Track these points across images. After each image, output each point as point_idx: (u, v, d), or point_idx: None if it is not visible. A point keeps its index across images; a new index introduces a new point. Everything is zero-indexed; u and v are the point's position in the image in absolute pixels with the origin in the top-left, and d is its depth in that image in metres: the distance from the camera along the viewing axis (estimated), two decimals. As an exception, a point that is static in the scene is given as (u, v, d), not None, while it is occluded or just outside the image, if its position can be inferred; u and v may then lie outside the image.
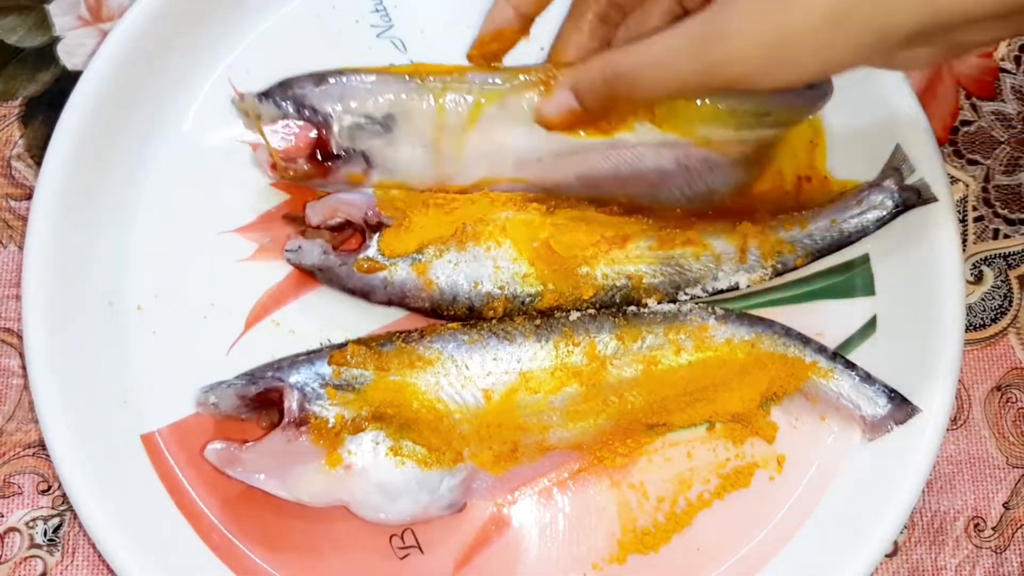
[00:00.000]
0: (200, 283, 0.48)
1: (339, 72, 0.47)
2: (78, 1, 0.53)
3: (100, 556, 0.44)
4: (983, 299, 0.54)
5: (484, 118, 0.46)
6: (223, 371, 0.46)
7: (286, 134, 0.46)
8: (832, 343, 0.49)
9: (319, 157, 0.46)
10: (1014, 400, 0.52)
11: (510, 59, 0.49)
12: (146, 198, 0.48)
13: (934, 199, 0.49)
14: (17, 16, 0.53)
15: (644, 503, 0.47)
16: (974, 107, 0.57)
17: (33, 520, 0.47)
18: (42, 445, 0.47)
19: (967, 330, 0.53)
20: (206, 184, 0.49)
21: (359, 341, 0.46)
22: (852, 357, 0.49)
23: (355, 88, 0.46)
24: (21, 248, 0.47)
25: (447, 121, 0.46)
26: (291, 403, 0.43)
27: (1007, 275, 0.54)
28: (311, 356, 0.45)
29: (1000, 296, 0.54)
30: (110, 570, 0.44)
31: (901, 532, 0.49)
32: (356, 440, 0.43)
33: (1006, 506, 0.51)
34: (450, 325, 0.47)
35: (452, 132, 0.46)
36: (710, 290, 0.48)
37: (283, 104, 0.46)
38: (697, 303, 0.48)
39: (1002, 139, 0.56)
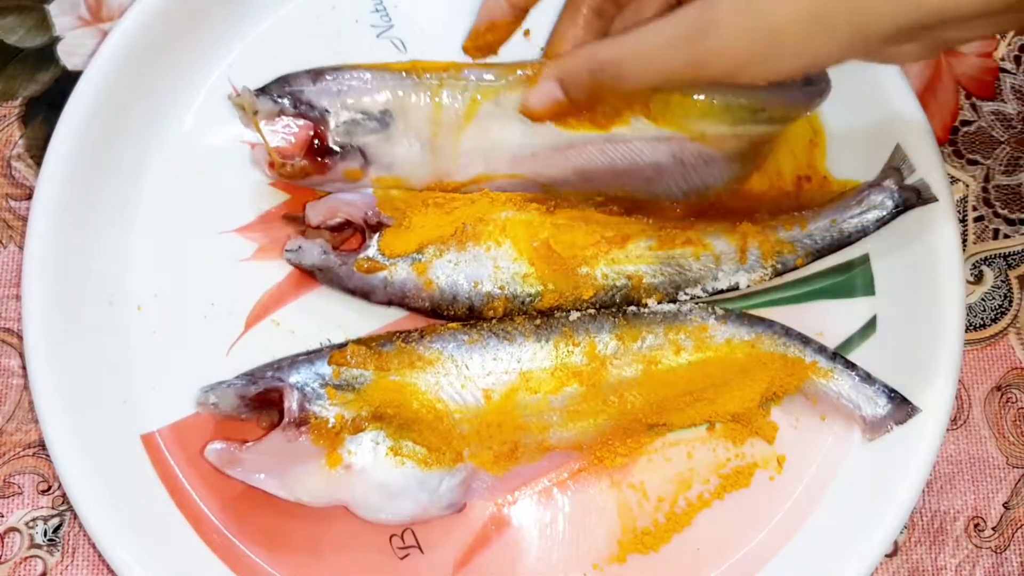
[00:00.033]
0: (200, 283, 0.48)
1: (336, 68, 0.47)
2: (78, 1, 0.53)
3: (100, 556, 0.44)
4: (983, 299, 0.54)
5: (480, 114, 0.46)
6: (223, 371, 0.46)
7: (283, 130, 0.46)
8: (832, 343, 0.49)
9: (316, 153, 0.46)
10: (1014, 400, 0.52)
11: (507, 57, 0.49)
12: (146, 198, 0.48)
13: (934, 199, 0.49)
14: (17, 16, 0.53)
15: (644, 503, 0.47)
16: (974, 107, 0.57)
17: (33, 520, 0.47)
18: (42, 445, 0.47)
19: (967, 330, 0.53)
20: (206, 184, 0.49)
21: (359, 341, 0.46)
22: (852, 357, 0.49)
23: (351, 84, 0.46)
24: (21, 248, 0.47)
25: (443, 117, 0.46)
26: (291, 403, 0.43)
27: (1007, 275, 0.54)
28: (311, 356, 0.45)
29: (1000, 296, 0.54)
30: (110, 570, 0.44)
31: (901, 532, 0.50)
32: (356, 440, 0.43)
33: (1006, 506, 0.51)
34: (450, 325, 0.47)
35: (448, 128, 0.47)
36: (710, 290, 0.48)
37: (280, 100, 0.46)
38: (697, 303, 0.48)
39: (1002, 139, 0.56)
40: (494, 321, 0.47)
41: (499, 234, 0.47)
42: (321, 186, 0.48)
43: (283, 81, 0.47)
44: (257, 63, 0.49)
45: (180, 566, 0.44)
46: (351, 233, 0.48)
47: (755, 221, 0.49)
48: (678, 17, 0.38)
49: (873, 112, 0.51)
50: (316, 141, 0.46)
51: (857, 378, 0.47)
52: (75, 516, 0.45)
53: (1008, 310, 0.54)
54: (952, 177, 0.55)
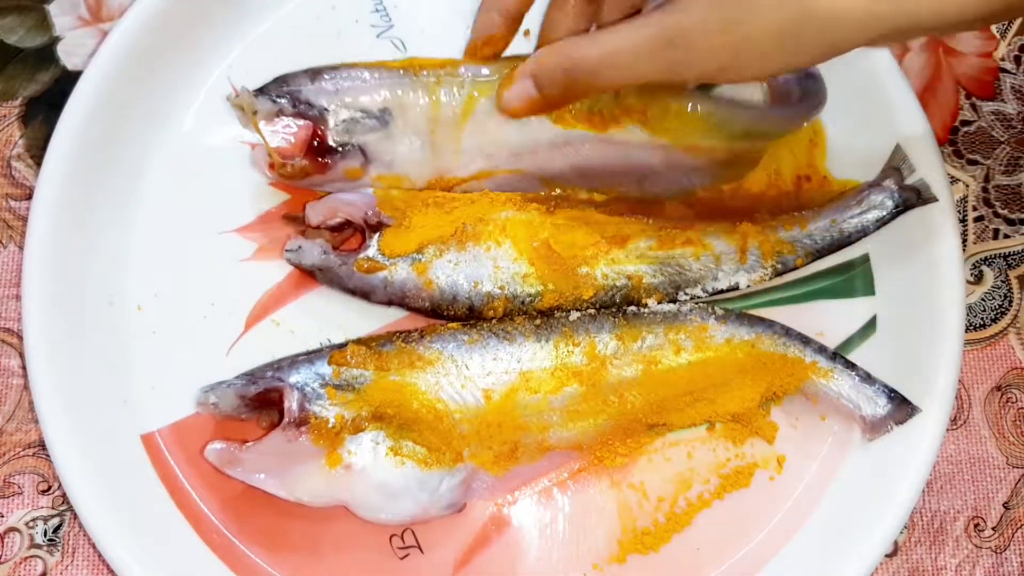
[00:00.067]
0: (200, 283, 0.48)
1: (333, 67, 0.47)
2: (78, 1, 0.53)
3: (100, 556, 0.44)
4: (983, 299, 0.54)
5: (478, 111, 0.47)
6: (223, 371, 0.46)
7: (283, 130, 0.46)
8: (832, 343, 0.49)
9: (316, 152, 0.46)
10: (1014, 400, 0.52)
11: (506, 53, 0.49)
12: (146, 198, 0.48)
13: (934, 199, 0.49)
14: (17, 16, 0.53)
15: (644, 503, 0.47)
16: (974, 107, 0.57)
17: (33, 520, 0.47)
18: (42, 445, 0.47)
19: (967, 330, 0.53)
20: (206, 184, 0.49)
21: (359, 341, 0.46)
22: (852, 357, 0.49)
23: (350, 83, 0.46)
24: (21, 248, 0.48)
25: (442, 114, 0.47)
26: (291, 403, 0.43)
27: (1007, 275, 0.54)
28: (311, 356, 0.45)
29: (1000, 296, 0.54)
30: (110, 570, 0.45)
31: (901, 532, 0.49)
32: (356, 440, 0.43)
33: (1006, 506, 0.51)
34: (450, 325, 0.47)
35: (447, 125, 0.47)
36: (710, 290, 0.48)
37: (279, 100, 0.46)
38: (697, 303, 0.48)
39: (1002, 139, 0.56)
40: (494, 321, 0.47)
41: (499, 234, 0.47)
42: (321, 186, 0.48)
43: (281, 81, 0.47)
44: (257, 63, 0.49)
45: (180, 566, 0.44)
46: (351, 233, 0.48)
47: (755, 221, 0.49)
48: (650, 23, 0.38)
49: (873, 112, 0.51)
50: (316, 141, 0.46)
51: (857, 378, 0.47)
52: (75, 516, 0.45)
53: (1008, 310, 0.54)
54: (952, 177, 0.55)
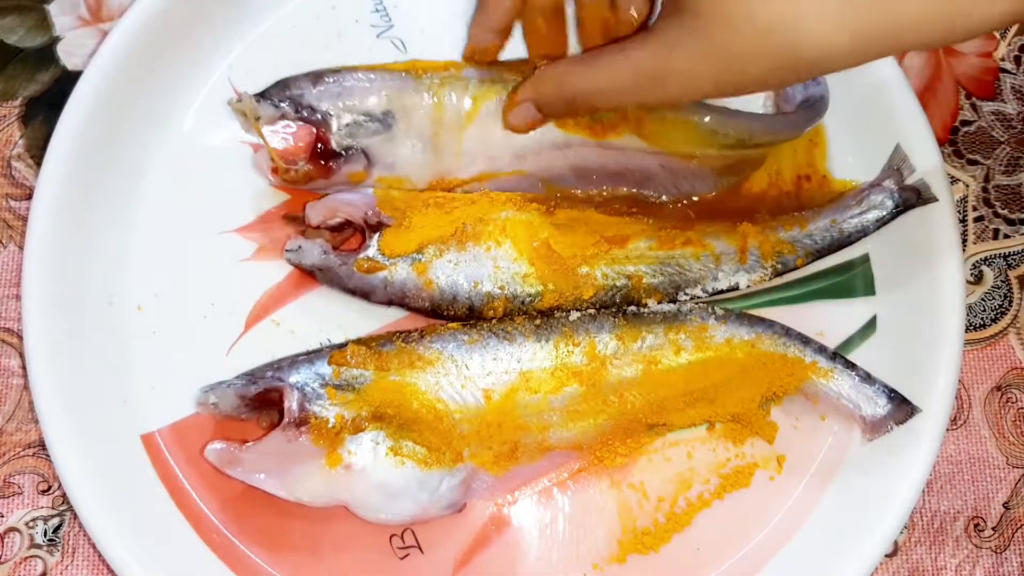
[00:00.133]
0: (200, 283, 0.48)
1: (335, 70, 0.47)
2: (78, 1, 0.53)
3: (100, 556, 0.44)
4: (983, 299, 0.54)
5: (481, 113, 0.47)
6: (223, 371, 0.46)
7: (285, 134, 0.46)
8: (832, 343, 0.49)
9: (320, 156, 0.46)
10: (1014, 400, 0.52)
11: (507, 55, 0.49)
12: (146, 198, 0.48)
13: (934, 199, 0.49)
14: (17, 16, 0.53)
15: (644, 503, 0.47)
16: (974, 107, 0.57)
17: (33, 520, 0.47)
18: (42, 445, 0.47)
19: (967, 330, 0.53)
20: (206, 184, 0.49)
21: (359, 341, 0.46)
22: (852, 357, 0.49)
23: (352, 86, 0.46)
24: (21, 248, 0.47)
25: (445, 116, 0.47)
26: (291, 403, 0.43)
27: (1007, 275, 0.54)
28: (311, 356, 0.45)
29: (1000, 296, 0.54)
30: (110, 570, 0.45)
31: (901, 532, 0.49)
32: (356, 440, 0.43)
33: (1006, 506, 0.51)
34: (450, 325, 0.47)
35: (450, 127, 0.47)
36: (710, 290, 0.48)
37: (281, 104, 0.46)
38: (697, 303, 0.48)
39: (1002, 139, 0.56)
40: (494, 321, 0.47)
41: (499, 234, 0.47)
42: (324, 189, 0.48)
43: (283, 85, 0.47)
44: (257, 63, 0.49)
45: (180, 566, 0.44)
46: (351, 233, 0.48)
47: (755, 221, 0.49)
48: (638, 59, 0.40)
49: (873, 112, 0.51)
50: (319, 145, 0.46)
51: (857, 378, 0.47)
52: (75, 516, 0.45)
53: (1008, 310, 0.54)
54: (952, 177, 0.55)
